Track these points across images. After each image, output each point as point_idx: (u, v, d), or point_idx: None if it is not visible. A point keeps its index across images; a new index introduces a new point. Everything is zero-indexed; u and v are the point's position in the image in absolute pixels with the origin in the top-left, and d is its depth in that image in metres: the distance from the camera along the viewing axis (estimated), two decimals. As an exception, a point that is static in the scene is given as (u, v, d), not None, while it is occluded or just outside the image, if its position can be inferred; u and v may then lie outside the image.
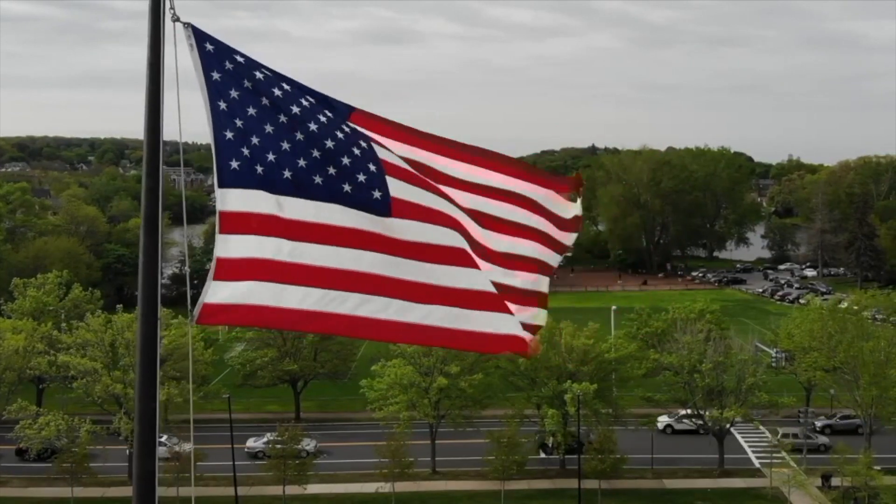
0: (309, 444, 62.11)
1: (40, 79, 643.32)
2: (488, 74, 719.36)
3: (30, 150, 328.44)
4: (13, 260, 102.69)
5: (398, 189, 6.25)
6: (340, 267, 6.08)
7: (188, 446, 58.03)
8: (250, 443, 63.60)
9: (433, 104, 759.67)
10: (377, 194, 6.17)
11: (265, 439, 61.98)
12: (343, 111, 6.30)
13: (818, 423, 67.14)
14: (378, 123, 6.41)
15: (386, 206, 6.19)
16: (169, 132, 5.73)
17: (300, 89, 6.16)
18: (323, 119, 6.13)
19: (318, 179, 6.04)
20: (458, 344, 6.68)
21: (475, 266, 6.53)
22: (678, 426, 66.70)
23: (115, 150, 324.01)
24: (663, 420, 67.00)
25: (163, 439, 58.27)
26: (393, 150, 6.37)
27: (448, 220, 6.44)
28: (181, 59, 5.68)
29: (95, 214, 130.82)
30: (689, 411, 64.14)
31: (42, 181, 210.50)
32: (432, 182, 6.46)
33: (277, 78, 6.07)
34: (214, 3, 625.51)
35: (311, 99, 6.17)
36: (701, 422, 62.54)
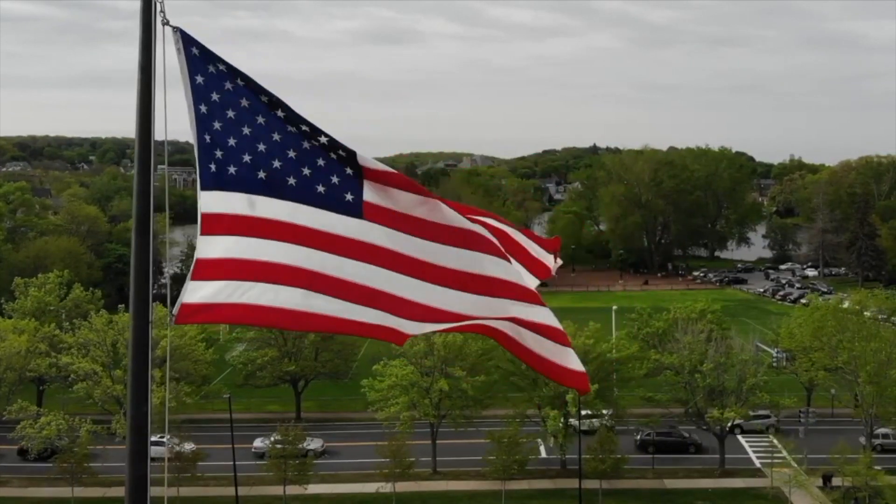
0: (315, 444, 62.33)
1: (41, 79, 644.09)
2: (489, 74, 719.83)
3: (31, 150, 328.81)
4: (14, 260, 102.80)
5: (372, 195, 6.32)
6: (312, 268, 6.19)
7: (189, 446, 58.30)
8: (257, 443, 63.53)
9: (434, 104, 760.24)
10: (349, 196, 6.26)
11: (272, 439, 62.12)
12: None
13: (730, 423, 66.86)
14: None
15: (358, 209, 6.27)
16: (163, 132, 5.77)
17: (281, 105, 6.18)
18: (304, 127, 6.19)
19: (291, 180, 6.14)
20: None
21: (441, 282, 6.55)
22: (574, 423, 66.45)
23: (115, 150, 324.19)
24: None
25: (164, 439, 58.49)
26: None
27: (424, 232, 6.48)
28: (171, 62, 5.75)
29: (96, 214, 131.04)
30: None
31: (43, 181, 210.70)
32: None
33: (262, 90, 6.13)
34: (215, 2, 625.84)
35: (287, 114, 6.21)
36: (602, 419, 63.01)
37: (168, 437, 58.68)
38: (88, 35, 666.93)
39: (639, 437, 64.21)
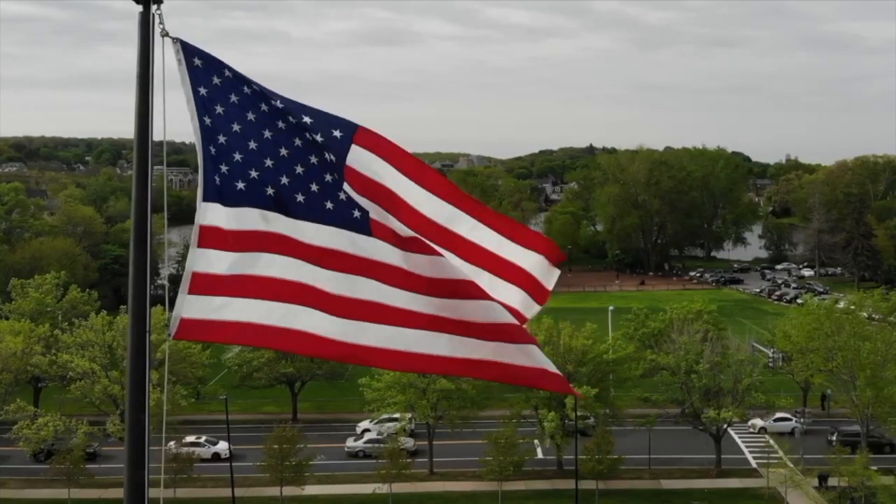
0: (407, 443, 62.99)
1: (37, 79, 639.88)
2: (486, 75, 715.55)
3: (27, 151, 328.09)
4: (10, 261, 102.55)
5: (374, 212, 6.22)
6: (321, 287, 6.07)
7: (223, 445, 60.44)
8: (350, 442, 63.46)
9: (430, 105, 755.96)
10: (357, 213, 6.16)
11: (365, 438, 62.18)
12: (347, 128, 6.22)
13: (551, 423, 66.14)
14: (383, 143, 6.34)
15: (367, 226, 6.17)
16: (161, 133, 5.75)
17: (290, 106, 6.12)
18: (308, 136, 6.12)
19: (300, 197, 6.04)
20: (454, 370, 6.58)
21: (453, 296, 6.33)
22: (376, 427, 67.20)
23: (112, 151, 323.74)
24: (364, 424, 67.69)
25: (201, 440, 61.71)
26: (386, 177, 6.32)
27: (424, 249, 6.33)
28: (169, 69, 5.73)
29: (92, 215, 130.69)
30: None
31: (39, 182, 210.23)
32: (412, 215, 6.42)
33: (266, 94, 6.07)
34: (212, 3, 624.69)
35: (299, 117, 6.13)
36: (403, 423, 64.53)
37: (204, 437, 61.48)
38: (85, 35, 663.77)
39: (834, 437, 63.88)
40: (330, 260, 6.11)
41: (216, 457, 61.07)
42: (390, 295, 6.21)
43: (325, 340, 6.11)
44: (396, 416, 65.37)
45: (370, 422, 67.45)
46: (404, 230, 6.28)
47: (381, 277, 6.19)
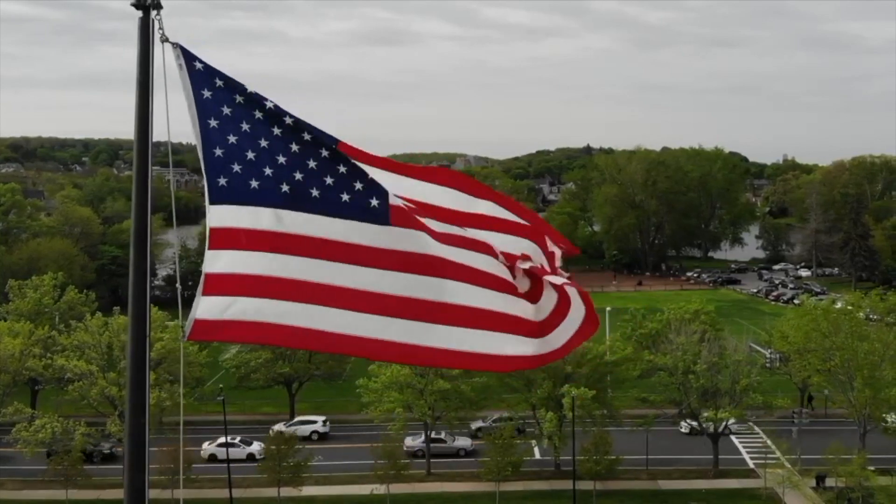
0: (464, 442, 63.30)
1: (35, 79, 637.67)
2: (487, 75, 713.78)
3: (24, 151, 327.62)
4: (7, 262, 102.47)
5: (395, 199, 6.24)
6: (336, 283, 6.07)
7: (257, 447, 61.38)
8: (409, 441, 63.43)
9: (428, 105, 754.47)
10: (375, 202, 6.14)
11: (422, 438, 62.28)
12: (329, 140, 6.26)
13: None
14: (365, 154, 6.39)
15: (384, 215, 6.17)
16: (160, 133, 5.78)
17: (286, 114, 6.15)
18: (309, 136, 6.15)
19: (315, 192, 6.05)
20: (459, 364, 6.65)
21: (476, 283, 6.43)
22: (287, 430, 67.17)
23: (109, 151, 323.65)
24: (277, 427, 67.54)
25: (237, 440, 62.11)
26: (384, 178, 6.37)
27: (445, 238, 6.38)
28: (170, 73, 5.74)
29: (89, 215, 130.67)
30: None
31: (36, 182, 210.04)
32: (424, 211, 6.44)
33: (264, 100, 6.08)
34: (211, 3, 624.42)
35: (296, 120, 6.16)
36: (315, 426, 66.66)
37: (238, 438, 61.88)
38: (84, 36, 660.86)
39: None
40: (347, 254, 6.11)
41: (251, 457, 60.97)
42: (415, 285, 6.24)
43: (342, 337, 6.12)
44: (312, 418, 68.29)
45: (284, 424, 67.35)
46: (433, 223, 6.37)
47: (405, 268, 6.22)
